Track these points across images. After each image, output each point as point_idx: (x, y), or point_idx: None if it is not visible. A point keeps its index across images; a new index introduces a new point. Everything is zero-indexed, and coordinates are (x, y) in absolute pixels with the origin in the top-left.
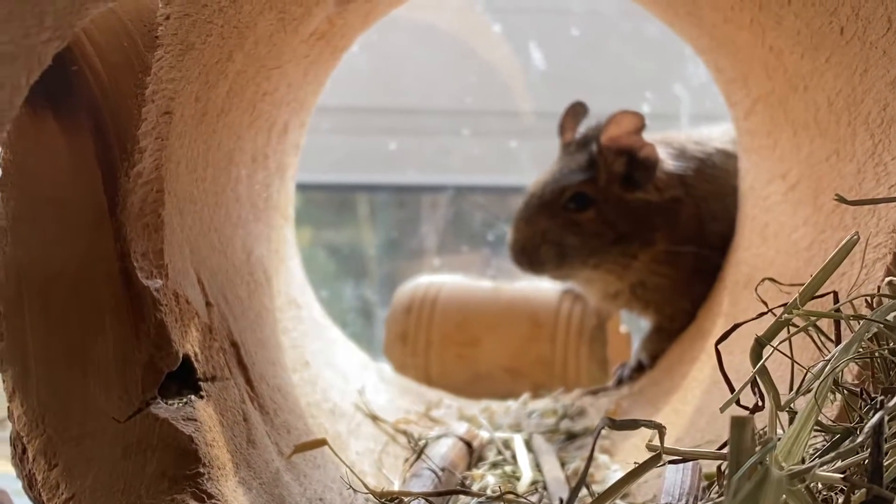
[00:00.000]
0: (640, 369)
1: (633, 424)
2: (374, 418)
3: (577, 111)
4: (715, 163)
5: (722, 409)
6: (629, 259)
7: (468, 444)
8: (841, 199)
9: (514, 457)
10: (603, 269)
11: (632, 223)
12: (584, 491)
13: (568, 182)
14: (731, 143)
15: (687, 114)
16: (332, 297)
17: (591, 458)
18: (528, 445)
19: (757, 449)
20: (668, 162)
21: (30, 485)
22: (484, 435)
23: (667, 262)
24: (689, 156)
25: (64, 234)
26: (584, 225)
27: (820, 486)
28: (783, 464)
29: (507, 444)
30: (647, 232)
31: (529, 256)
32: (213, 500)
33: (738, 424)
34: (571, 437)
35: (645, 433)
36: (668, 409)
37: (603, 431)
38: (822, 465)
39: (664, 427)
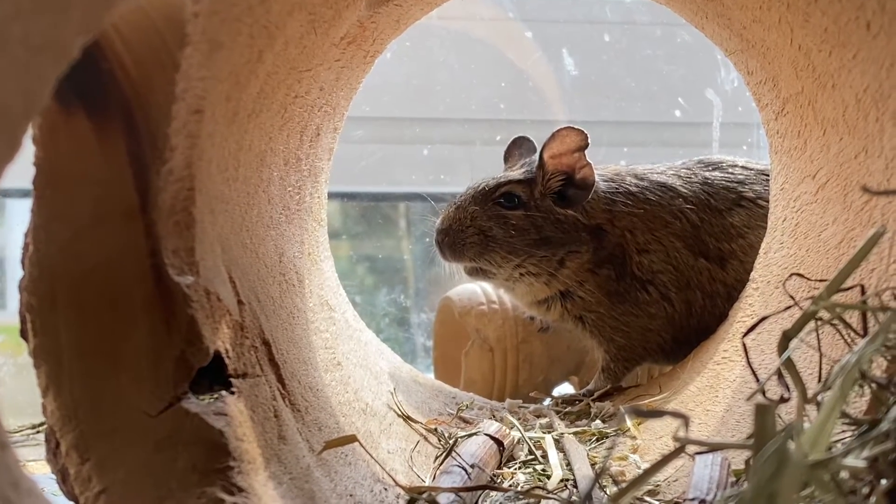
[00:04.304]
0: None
1: (657, 414)
2: (406, 418)
3: (521, 143)
4: (649, 197)
5: (748, 399)
6: (556, 265)
7: (499, 443)
8: (867, 190)
9: (544, 456)
10: (526, 272)
11: (558, 232)
12: (615, 488)
13: (504, 180)
14: (675, 175)
15: (719, 119)
16: (366, 303)
17: (614, 445)
18: (559, 445)
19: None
20: (601, 186)
21: (63, 479)
22: (515, 434)
23: (593, 276)
24: (623, 189)
25: (96, 232)
26: (510, 220)
27: (847, 475)
28: (809, 453)
29: (538, 444)
30: (575, 243)
31: (452, 238)
32: (243, 494)
33: (762, 411)
34: (603, 437)
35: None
36: (698, 409)
37: (633, 432)
38: (847, 454)
39: (688, 417)
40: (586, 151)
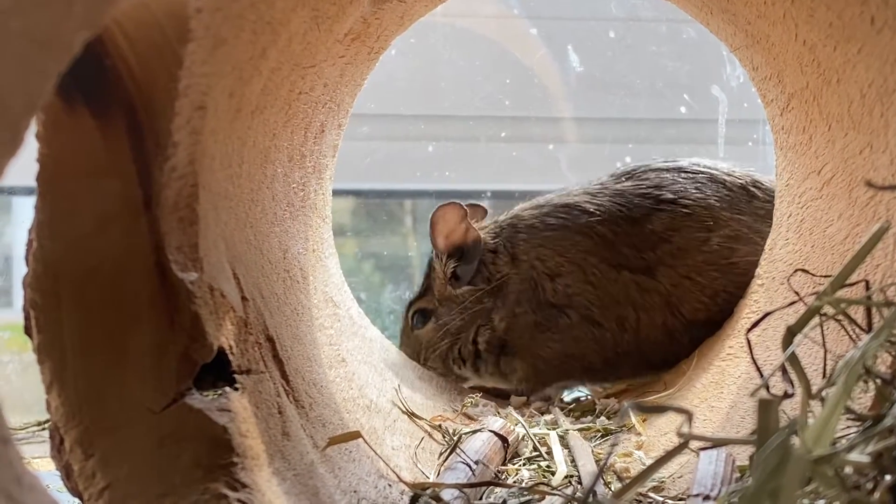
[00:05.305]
0: None
1: (661, 410)
2: (411, 415)
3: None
4: (550, 222)
5: (751, 395)
6: (471, 349)
7: (503, 440)
8: (871, 185)
9: (549, 452)
10: (461, 369)
11: (461, 319)
12: (620, 484)
13: (408, 303)
14: (583, 193)
15: (724, 115)
16: (371, 300)
17: (618, 441)
18: (564, 442)
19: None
20: (499, 244)
21: (67, 475)
22: (519, 431)
23: (514, 321)
24: (522, 227)
25: (100, 228)
26: (423, 339)
27: (850, 471)
28: (812, 449)
29: (542, 441)
30: (481, 317)
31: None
32: (246, 490)
33: (765, 407)
34: (607, 433)
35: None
36: (703, 405)
37: (638, 429)
38: (850, 449)
39: (692, 413)
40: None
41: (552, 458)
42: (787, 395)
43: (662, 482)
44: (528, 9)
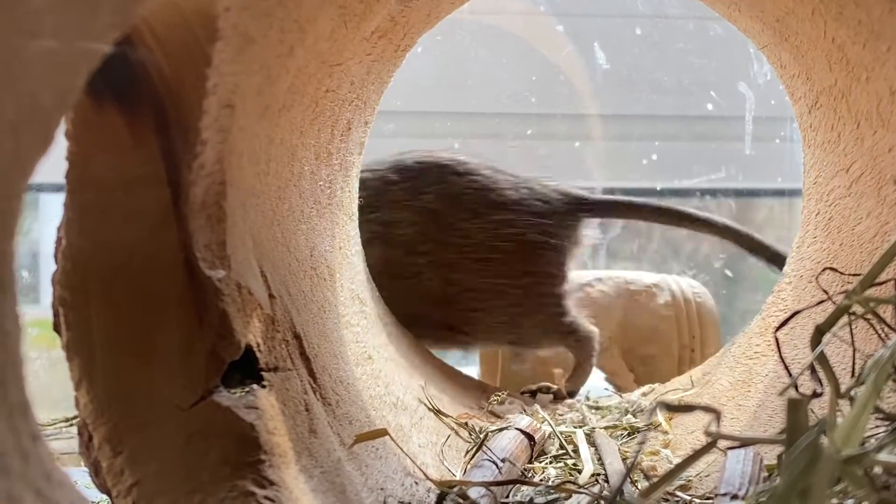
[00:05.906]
0: None
1: (689, 409)
2: (437, 412)
3: None
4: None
5: (780, 394)
6: None
7: (530, 438)
8: None
9: (575, 451)
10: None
11: None
12: (647, 483)
13: None
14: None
15: (751, 112)
16: None
17: (645, 440)
18: (590, 440)
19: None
20: None
21: (96, 472)
22: (546, 429)
23: None
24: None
25: (129, 226)
26: None
27: (880, 470)
28: (841, 449)
29: (569, 439)
30: None
31: None
32: (274, 487)
33: (794, 406)
34: (634, 432)
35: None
36: (730, 404)
37: (665, 427)
38: (880, 449)
39: (720, 412)
40: None
41: (579, 456)
42: (815, 395)
43: (689, 481)
44: (554, 6)
